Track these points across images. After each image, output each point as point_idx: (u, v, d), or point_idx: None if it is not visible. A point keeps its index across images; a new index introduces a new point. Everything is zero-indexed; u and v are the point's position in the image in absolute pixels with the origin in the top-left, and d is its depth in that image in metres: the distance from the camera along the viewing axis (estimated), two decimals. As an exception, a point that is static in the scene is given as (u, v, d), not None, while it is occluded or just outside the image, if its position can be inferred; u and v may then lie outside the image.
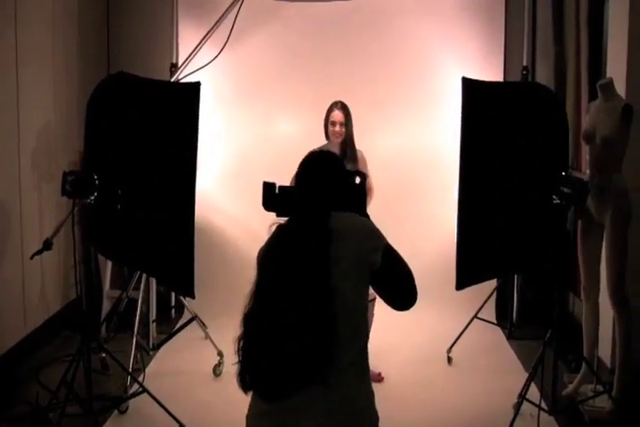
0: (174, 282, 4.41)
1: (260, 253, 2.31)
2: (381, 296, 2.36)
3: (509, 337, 5.61)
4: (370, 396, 2.27)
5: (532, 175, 4.12)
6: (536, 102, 4.21)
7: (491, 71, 5.84)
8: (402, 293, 2.33)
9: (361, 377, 2.25)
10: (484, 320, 5.33)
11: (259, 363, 2.17)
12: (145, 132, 4.05)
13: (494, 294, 5.71)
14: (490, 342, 5.49)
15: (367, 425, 2.22)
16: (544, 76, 5.93)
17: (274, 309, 2.17)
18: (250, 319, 2.22)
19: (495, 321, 5.76)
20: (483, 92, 4.21)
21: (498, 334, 5.66)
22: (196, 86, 3.89)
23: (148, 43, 6.11)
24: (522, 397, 4.12)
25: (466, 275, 4.27)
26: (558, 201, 3.83)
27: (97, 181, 3.78)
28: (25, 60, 4.93)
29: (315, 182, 2.37)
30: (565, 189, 3.79)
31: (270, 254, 2.26)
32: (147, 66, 5.70)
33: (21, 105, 4.88)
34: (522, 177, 4.14)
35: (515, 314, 5.80)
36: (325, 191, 2.35)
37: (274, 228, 2.31)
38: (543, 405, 4.00)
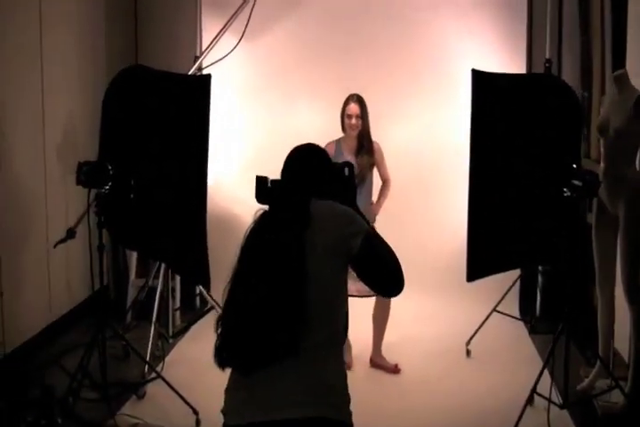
0: (189, 271, 4.47)
1: (243, 238, 2.39)
2: (364, 282, 2.41)
3: (531, 331, 5.56)
4: (342, 376, 2.34)
5: (544, 167, 4.09)
6: (548, 94, 4.17)
7: (513, 65, 5.77)
8: (382, 279, 2.37)
9: (334, 359, 2.32)
10: (504, 314, 5.32)
11: (234, 339, 2.26)
12: (158, 124, 4.13)
13: (517, 288, 5.69)
14: (511, 336, 5.46)
15: (336, 402, 2.28)
16: (570, 68, 5.81)
17: (250, 291, 2.25)
18: (228, 302, 2.32)
19: (518, 314, 5.74)
20: (493, 84, 4.18)
21: (520, 328, 5.62)
22: (206, 79, 3.96)
23: (174, 34, 6.18)
24: (533, 390, 4.11)
25: (477, 266, 4.26)
26: (569, 193, 3.80)
27: (111, 171, 3.85)
28: (51, 52, 5.03)
29: (296, 171, 2.49)
30: (576, 182, 3.76)
31: (249, 240, 2.35)
32: (174, 57, 5.81)
33: (46, 97, 5.00)
34: (534, 169, 4.12)
35: (538, 308, 5.77)
36: (305, 179, 2.46)
37: (259, 213, 2.40)
38: (555, 398, 3.98)
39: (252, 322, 2.22)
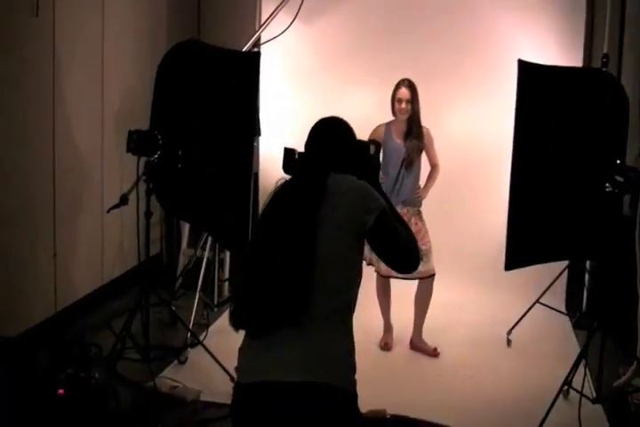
0: (236, 245, 4.53)
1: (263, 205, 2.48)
2: (379, 257, 2.48)
3: (575, 326, 5.49)
4: (347, 349, 2.38)
5: (587, 162, 4.05)
6: (596, 89, 4.10)
7: (571, 59, 5.65)
8: (394, 256, 2.43)
9: (341, 331, 2.37)
10: (547, 306, 5.27)
11: (246, 303, 2.35)
12: (209, 97, 4.21)
13: (564, 282, 5.65)
14: (554, 329, 5.41)
15: (337, 370, 2.32)
16: (631, 64, 5.55)
17: (264, 257, 2.34)
18: (246, 266, 2.41)
19: (564, 308, 5.68)
20: (540, 75, 4.13)
21: (564, 322, 5.55)
22: (256, 56, 4.03)
23: (236, 11, 6.24)
24: (565, 383, 4.09)
25: (515, 256, 4.25)
26: (610, 189, 3.76)
27: (160, 141, 3.96)
28: (112, 27, 5.18)
29: (317, 144, 2.55)
30: (618, 178, 3.72)
31: (268, 207, 2.44)
32: (234, 34, 5.86)
33: (106, 70, 5.17)
34: (577, 163, 4.08)
35: (585, 303, 5.69)
36: (326, 152, 2.51)
37: (280, 183, 2.49)
38: (589, 393, 3.96)
39: (263, 287, 2.30)
